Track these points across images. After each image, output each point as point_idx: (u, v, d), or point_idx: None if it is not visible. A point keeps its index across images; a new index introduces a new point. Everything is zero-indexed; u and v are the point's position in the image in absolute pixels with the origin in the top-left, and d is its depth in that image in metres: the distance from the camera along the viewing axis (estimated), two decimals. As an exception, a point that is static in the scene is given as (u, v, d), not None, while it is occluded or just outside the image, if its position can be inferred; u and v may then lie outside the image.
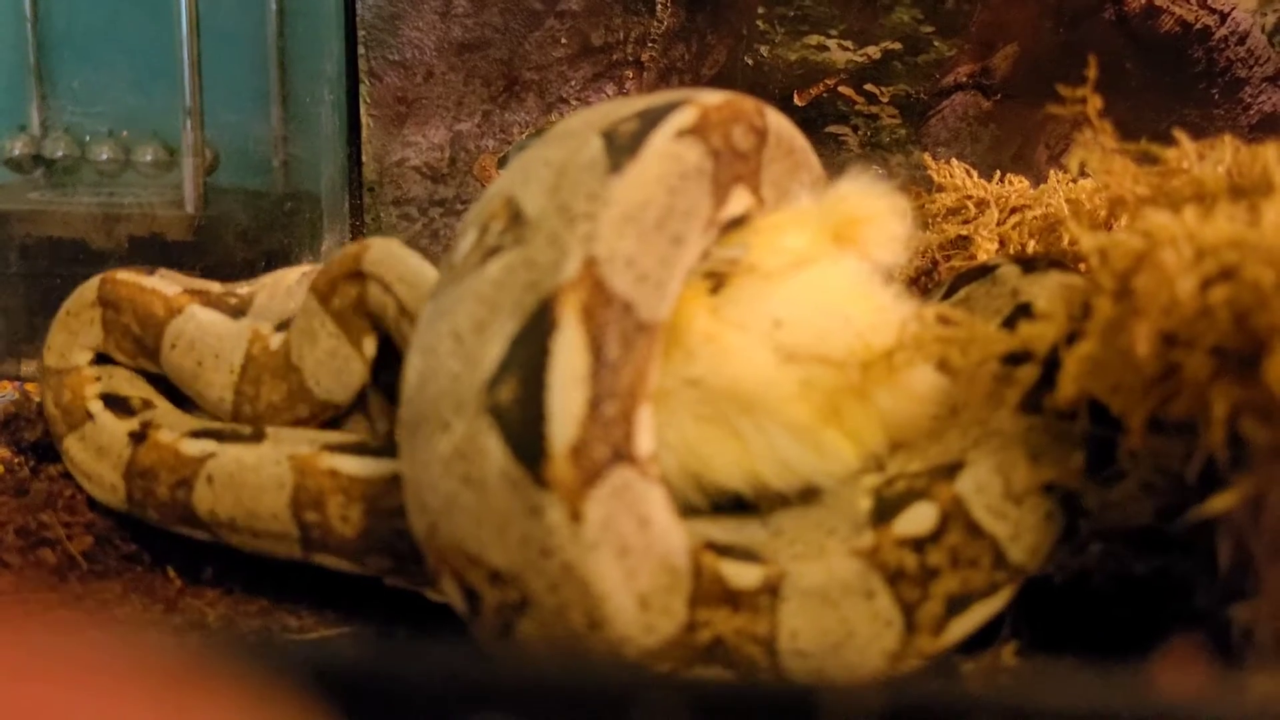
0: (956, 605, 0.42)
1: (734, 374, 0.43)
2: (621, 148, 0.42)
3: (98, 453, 0.56)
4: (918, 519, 0.42)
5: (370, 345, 0.54)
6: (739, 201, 0.47)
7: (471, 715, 0.18)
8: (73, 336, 0.59)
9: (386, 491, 0.48)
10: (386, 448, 0.50)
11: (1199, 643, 0.23)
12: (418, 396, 0.41)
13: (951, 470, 0.43)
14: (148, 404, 0.58)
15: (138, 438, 0.54)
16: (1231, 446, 0.37)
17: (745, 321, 0.44)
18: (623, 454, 0.39)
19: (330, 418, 0.55)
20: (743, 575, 0.41)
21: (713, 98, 0.46)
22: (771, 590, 0.41)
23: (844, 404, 0.44)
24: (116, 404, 0.58)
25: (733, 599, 0.41)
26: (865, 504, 0.43)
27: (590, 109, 0.48)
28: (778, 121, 0.50)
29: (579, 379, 0.38)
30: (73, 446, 0.57)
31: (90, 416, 0.57)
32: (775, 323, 0.44)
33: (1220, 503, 0.36)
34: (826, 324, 0.44)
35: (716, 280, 0.45)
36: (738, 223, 0.47)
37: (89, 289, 0.60)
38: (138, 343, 0.58)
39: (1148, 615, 0.40)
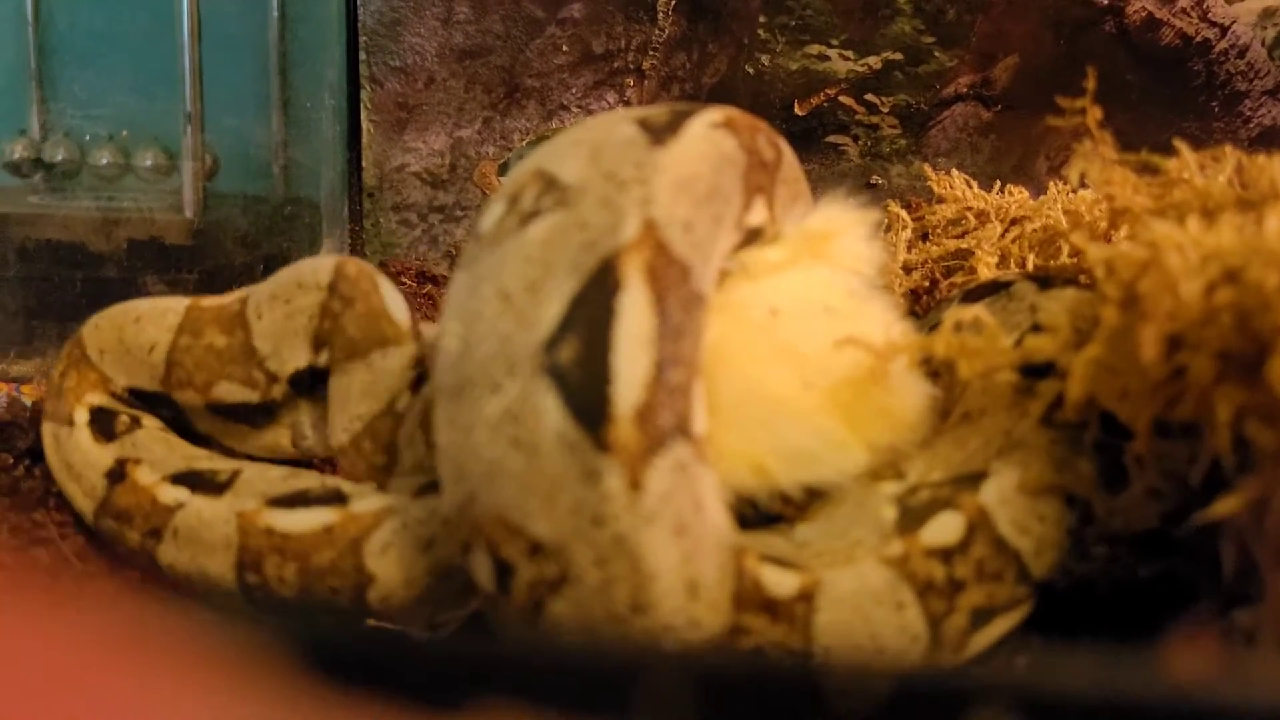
0: (980, 619, 0.41)
1: (734, 364, 0.42)
2: (659, 129, 0.42)
3: (67, 469, 0.53)
4: (944, 529, 0.42)
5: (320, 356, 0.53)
6: (759, 212, 0.47)
7: (474, 694, 0.17)
8: (127, 356, 0.55)
9: (317, 548, 0.47)
10: (326, 495, 0.49)
11: (1209, 628, 0.23)
12: (462, 362, 0.39)
13: (975, 479, 0.43)
14: (135, 423, 0.55)
15: (115, 477, 0.52)
16: (1237, 451, 0.37)
17: (742, 308, 0.44)
18: (684, 428, 0.37)
19: (262, 400, 0.54)
20: (781, 583, 0.40)
21: (734, 109, 0.46)
22: (807, 599, 0.40)
23: (841, 396, 0.43)
24: (102, 419, 0.54)
25: (771, 608, 0.39)
26: (890, 513, 0.43)
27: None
28: (788, 150, 0.50)
29: (645, 340, 0.37)
30: (49, 443, 0.55)
31: (70, 422, 0.54)
32: (771, 311, 0.44)
33: (1224, 507, 0.36)
34: (816, 316, 0.45)
35: None
36: (753, 235, 0.47)
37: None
38: (221, 355, 0.54)
39: (1152, 620, 0.40)
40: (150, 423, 0.56)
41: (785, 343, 0.44)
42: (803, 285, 0.46)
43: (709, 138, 0.43)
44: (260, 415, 0.55)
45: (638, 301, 0.37)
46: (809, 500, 0.44)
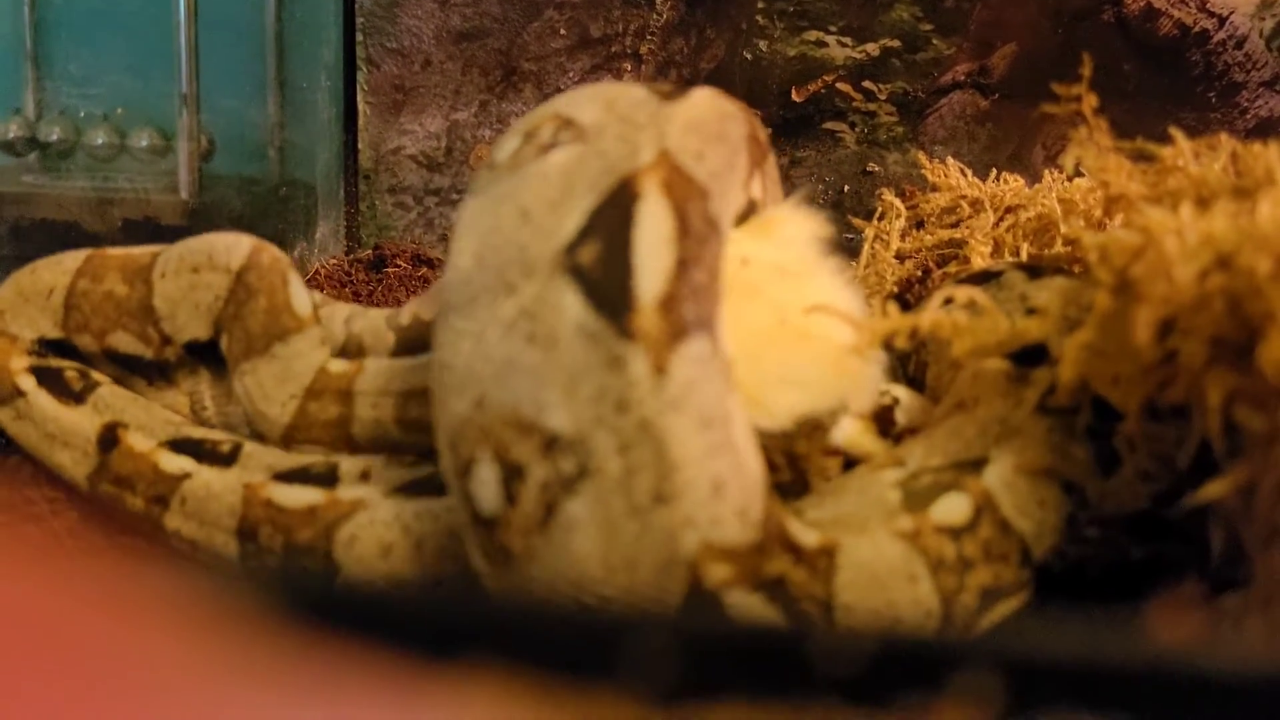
0: (988, 600, 0.41)
1: None
2: (667, 93, 0.44)
3: (49, 440, 0.53)
4: (953, 508, 0.42)
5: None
6: (757, 185, 0.48)
7: (461, 653, 0.17)
8: (26, 306, 0.55)
9: (300, 525, 0.48)
10: (322, 474, 0.49)
11: (1192, 599, 0.23)
12: (475, 274, 0.40)
13: (976, 465, 0.44)
14: (85, 377, 0.55)
15: (106, 443, 0.52)
16: (1226, 435, 0.37)
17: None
18: (708, 326, 0.38)
19: (157, 356, 0.54)
20: (804, 534, 0.40)
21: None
22: (829, 553, 0.40)
23: (808, 337, 0.45)
24: (50, 379, 0.54)
25: (795, 550, 0.39)
26: (894, 495, 0.43)
27: None
28: (772, 151, 0.53)
29: (665, 239, 0.38)
30: (11, 427, 0.54)
31: (20, 393, 0.53)
32: (742, 260, 0.45)
33: (1213, 490, 0.36)
34: (776, 271, 0.46)
35: None
36: (753, 207, 0.48)
37: (70, 259, 0.55)
38: (119, 305, 0.54)
39: (1141, 603, 0.40)
40: (101, 378, 0.55)
41: (755, 286, 0.45)
42: (764, 248, 0.48)
43: (713, 99, 0.45)
44: (155, 373, 0.55)
45: (656, 209, 0.38)
46: (803, 432, 0.45)
